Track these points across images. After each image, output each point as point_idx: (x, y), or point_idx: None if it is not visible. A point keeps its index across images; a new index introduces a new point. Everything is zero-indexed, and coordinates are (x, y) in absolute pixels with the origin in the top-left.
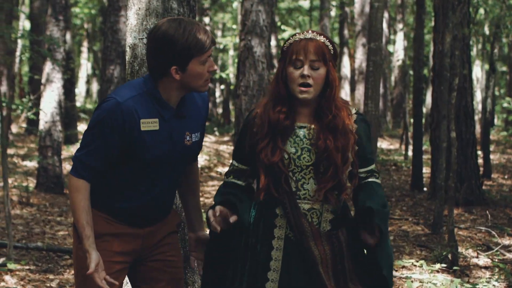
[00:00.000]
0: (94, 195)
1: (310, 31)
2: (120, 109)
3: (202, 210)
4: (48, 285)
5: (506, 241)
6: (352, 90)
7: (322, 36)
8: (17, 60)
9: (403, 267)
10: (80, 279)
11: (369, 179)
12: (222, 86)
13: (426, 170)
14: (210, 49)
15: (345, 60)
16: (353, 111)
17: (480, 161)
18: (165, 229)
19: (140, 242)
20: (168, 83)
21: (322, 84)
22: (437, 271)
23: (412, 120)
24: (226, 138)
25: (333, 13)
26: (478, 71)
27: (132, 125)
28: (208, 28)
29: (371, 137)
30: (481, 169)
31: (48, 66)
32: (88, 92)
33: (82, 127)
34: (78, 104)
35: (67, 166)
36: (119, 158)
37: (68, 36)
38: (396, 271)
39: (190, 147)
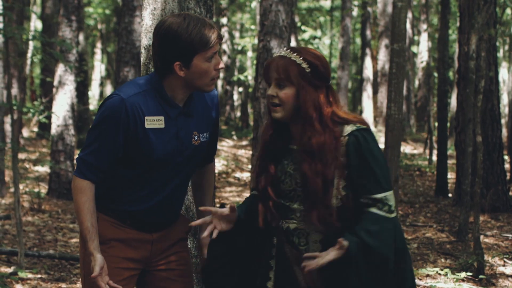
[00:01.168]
0: (100, 199)
1: (289, 48)
2: (124, 105)
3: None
4: None
5: None
6: (375, 92)
7: (296, 54)
8: (28, 62)
9: (427, 275)
10: (88, 285)
11: (370, 209)
12: (240, 89)
13: (451, 176)
14: (215, 45)
15: (368, 61)
16: (348, 130)
17: (507, 166)
18: (175, 235)
19: (149, 248)
20: (173, 80)
21: (293, 104)
22: (463, 280)
23: (436, 124)
24: (244, 143)
25: (355, 13)
26: (504, 73)
27: (137, 122)
28: (225, 28)
29: (381, 157)
30: (508, 174)
31: (60, 68)
32: (101, 95)
33: None
34: (91, 107)
35: None
36: (125, 158)
37: (81, 37)
38: (420, 279)
39: (198, 147)
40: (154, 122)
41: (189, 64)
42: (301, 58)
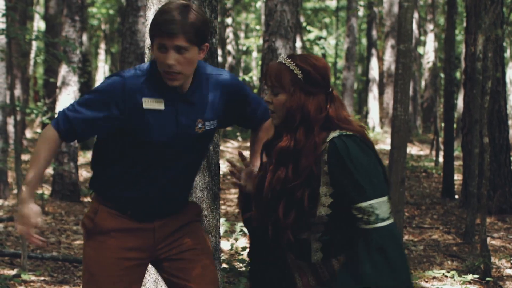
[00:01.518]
0: (100, 185)
1: (288, 55)
2: (122, 84)
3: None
4: None
5: None
6: (381, 93)
7: (291, 60)
8: (31, 62)
9: (434, 278)
10: (87, 276)
11: (360, 226)
12: None
13: (457, 177)
14: (164, 36)
15: (374, 62)
16: (331, 136)
17: None
18: (182, 219)
19: (152, 236)
20: None
21: (284, 111)
22: (469, 282)
23: (443, 125)
24: (249, 144)
25: (361, 13)
26: (511, 74)
27: (133, 102)
28: (230, 29)
29: (365, 162)
30: None
31: (63, 69)
32: None
33: None
34: None
35: (83, 173)
36: (122, 139)
37: (84, 38)
38: (427, 282)
39: (202, 135)
40: (153, 103)
41: (152, 47)
42: (294, 64)
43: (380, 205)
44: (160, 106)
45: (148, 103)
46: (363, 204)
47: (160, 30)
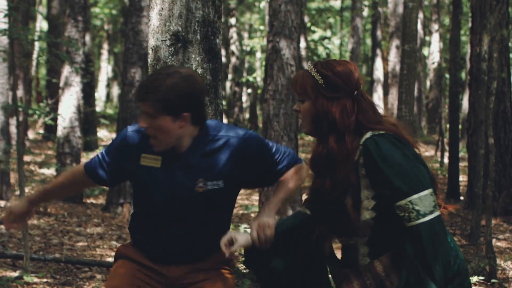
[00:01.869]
0: (130, 226)
1: (314, 62)
2: (124, 137)
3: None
4: None
5: None
6: (386, 94)
7: (314, 66)
8: (34, 63)
9: None
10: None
11: (407, 224)
12: (249, 90)
13: (462, 178)
14: (137, 99)
15: (378, 62)
16: (363, 138)
17: None
18: (202, 267)
19: (164, 278)
20: None
21: (311, 117)
22: (475, 284)
23: (448, 126)
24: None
25: (365, 13)
26: None
27: (131, 157)
28: (234, 29)
29: (397, 159)
30: None
31: (66, 69)
32: (108, 97)
33: (102, 133)
34: (98, 109)
35: None
36: (135, 189)
37: (87, 38)
38: None
39: (205, 194)
40: (150, 160)
41: None
42: (315, 70)
43: (420, 200)
44: (157, 164)
45: (146, 160)
46: (402, 202)
47: (136, 92)
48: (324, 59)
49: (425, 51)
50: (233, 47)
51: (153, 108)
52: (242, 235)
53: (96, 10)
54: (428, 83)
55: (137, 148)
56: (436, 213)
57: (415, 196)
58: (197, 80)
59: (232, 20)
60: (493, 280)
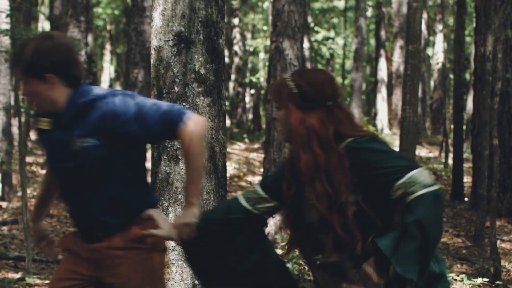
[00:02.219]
0: None
1: (294, 70)
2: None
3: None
4: None
5: None
6: (389, 94)
7: (291, 75)
8: None
9: None
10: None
11: (416, 194)
12: (252, 91)
13: (467, 179)
14: (12, 68)
15: (382, 63)
16: (344, 144)
17: None
18: (115, 252)
19: (86, 265)
20: None
21: (286, 126)
22: (479, 286)
23: (452, 127)
24: (256, 146)
25: (369, 13)
26: None
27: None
28: (237, 29)
29: (383, 148)
30: None
31: None
32: None
33: None
34: None
35: None
36: None
37: (89, 38)
38: None
39: (81, 152)
40: (42, 123)
41: None
42: (291, 79)
43: (419, 174)
44: (47, 126)
45: (40, 123)
46: (403, 180)
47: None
48: (303, 69)
49: (429, 52)
50: (236, 48)
51: (21, 73)
52: (166, 225)
53: (98, 10)
54: (432, 84)
55: (38, 114)
56: (439, 186)
57: (416, 170)
58: (60, 41)
59: (235, 21)
60: (497, 282)
